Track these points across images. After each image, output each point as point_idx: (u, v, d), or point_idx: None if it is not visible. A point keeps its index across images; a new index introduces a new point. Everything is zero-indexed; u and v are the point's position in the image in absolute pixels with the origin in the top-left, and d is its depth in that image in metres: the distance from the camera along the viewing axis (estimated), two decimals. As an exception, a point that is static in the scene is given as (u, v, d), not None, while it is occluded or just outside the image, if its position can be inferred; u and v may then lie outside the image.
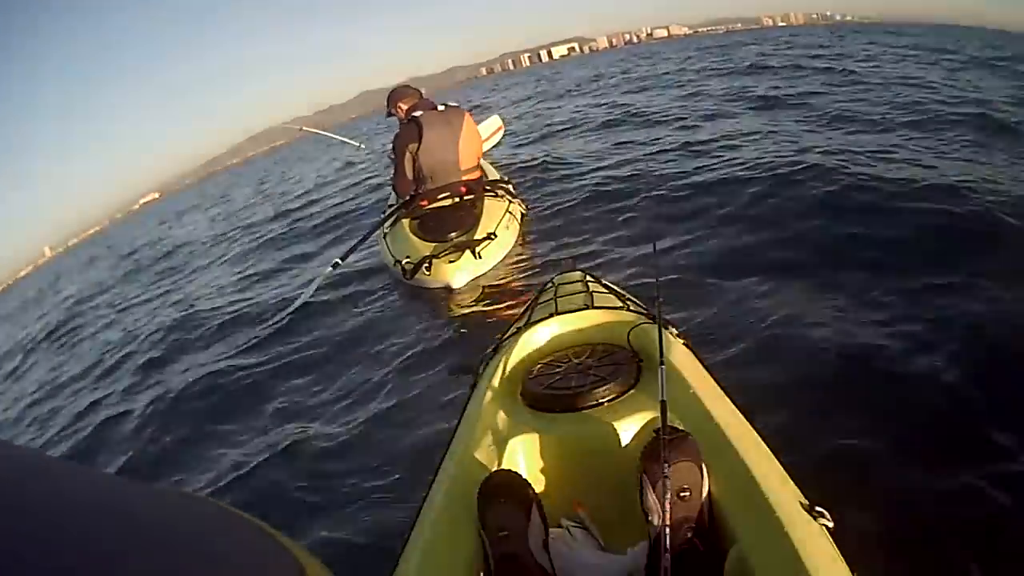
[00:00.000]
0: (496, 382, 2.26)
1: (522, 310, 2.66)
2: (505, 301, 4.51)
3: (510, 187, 5.95)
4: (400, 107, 5.84)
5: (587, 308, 2.46)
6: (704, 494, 1.55)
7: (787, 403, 2.61)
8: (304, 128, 9.54)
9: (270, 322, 5.53)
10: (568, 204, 6.54)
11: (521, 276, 4.91)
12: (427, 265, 4.89)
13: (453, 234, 5.14)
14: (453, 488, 1.77)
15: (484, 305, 4.55)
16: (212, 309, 6.94)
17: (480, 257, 4.89)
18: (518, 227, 5.52)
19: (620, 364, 2.16)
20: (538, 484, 1.92)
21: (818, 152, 6.41)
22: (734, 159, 6.83)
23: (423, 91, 6.09)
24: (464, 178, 5.64)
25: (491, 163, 6.85)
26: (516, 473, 1.72)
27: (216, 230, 15.08)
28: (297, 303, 5.48)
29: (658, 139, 8.86)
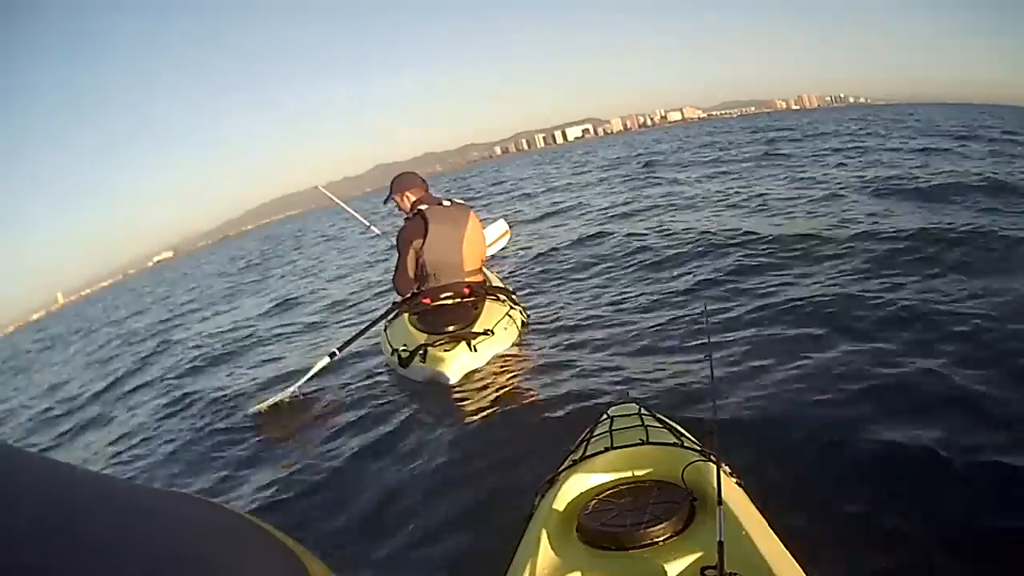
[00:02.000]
0: (553, 517, 2.25)
1: (577, 441, 2.65)
2: (501, 402, 4.40)
3: (513, 295, 5.92)
4: (407, 197, 5.83)
5: (642, 443, 2.44)
6: None
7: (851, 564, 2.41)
8: (320, 188, 9.22)
9: (256, 412, 5.32)
10: (574, 308, 6.49)
11: (516, 379, 4.81)
12: (422, 353, 4.91)
13: (451, 328, 5.14)
14: None
15: (482, 404, 4.45)
16: (189, 391, 6.99)
17: (475, 350, 4.90)
18: (517, 331, 5.48)
19: (675, 503, 2.13)
20: None
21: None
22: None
23: (428, 182, 6.06)
24: (467, 279, 5.63)
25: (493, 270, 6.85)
26: None
27: (212, 300, 15.75)
28: (288, 391, 5.34)
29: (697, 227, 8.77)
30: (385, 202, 6.02)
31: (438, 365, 4.83)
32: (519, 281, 7.97)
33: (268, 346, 8.33)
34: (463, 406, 4.49)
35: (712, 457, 2.24)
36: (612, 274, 7.67)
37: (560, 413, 3.98)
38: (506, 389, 4.63)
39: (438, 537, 3.15)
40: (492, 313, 5.35)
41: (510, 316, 5.44)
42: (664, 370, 4.49)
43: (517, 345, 5.38)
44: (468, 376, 4.86)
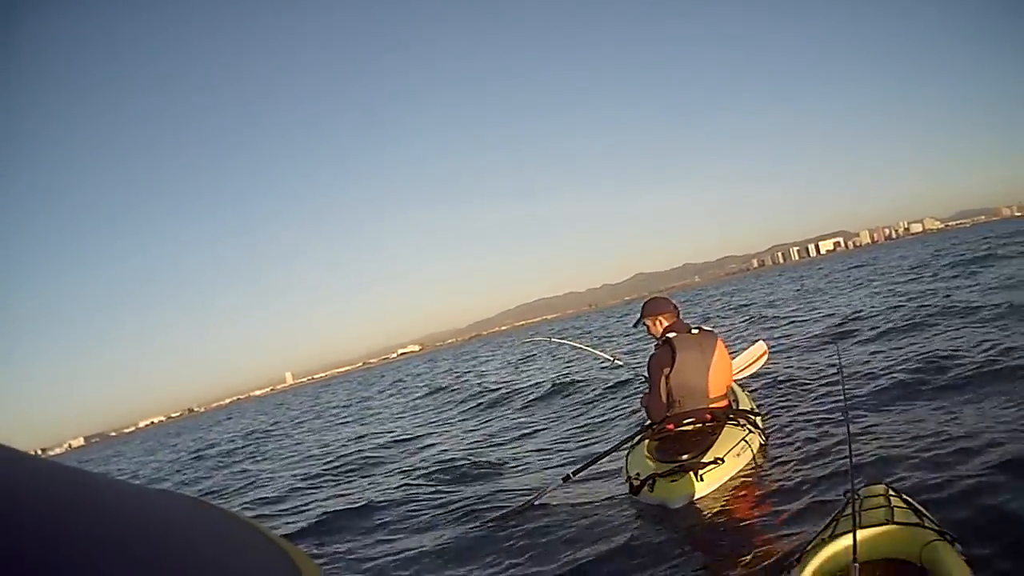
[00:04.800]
0: None
1: (829, 518, 2.87)
2: (725, 525, 4.63)
3: (757, 419, 5.99)
4: (660, 322, 6.00)
5: (887, 523, 2.57)
6: None
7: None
8: (553, 340, 10.72)
9: (490, 526, 5.59)
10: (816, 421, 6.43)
11: (744, 501, 4.94)
12: (651, 483, 5.13)
13: (684, 456, 5.29)
14: None
15: (713, 525, 4.67)
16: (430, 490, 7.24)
17: (702, 480, 5.04)
18: (751, 455, 5.50)
19: None
20: None
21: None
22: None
23: (679, 308, 6.19)
24: (711, 405, 5.75)
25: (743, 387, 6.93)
26: None
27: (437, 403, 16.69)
28: (518, 505, 5.70)
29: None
30: (635, 325, 6.28)
31: (665, 495, 5.06)
32: (766, 396, 7.94)
33: (503, 460, 8.42)
34: (694, 530, 4.68)
35: (947, 537, 2.43)
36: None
37: (785, 532, 4.17)
38: (734, 509, 4.83)
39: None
40: (727, 440, 5.42)
41: (746, 441, 5.50)
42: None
43: (751, 468, 5.41)
44: (697, 502, 4.99)
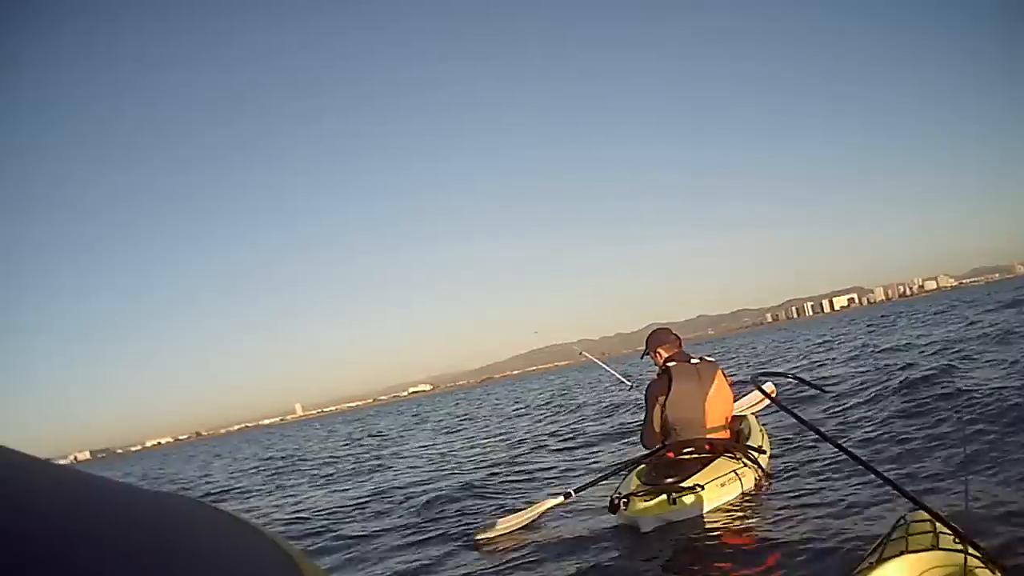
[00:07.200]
0: None
1: (874, 543, 2.85)
2: (700, 559, 4.54)
3: (762, 457, 5.91)
4: (660, 353, 6.07)
5: (933, 549, 2.56)
6: None
7: None
8: (584, 354, 10.60)
9: (484, 537, 5.68)
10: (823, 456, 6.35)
11: (725, 534, 4.83)
12: (627, 501, 5.12)
13: (668, 480, 5.30)
14: None
15: (680, 551, 4.66)
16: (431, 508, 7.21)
17: (674, 503, 5.03)
18: (739, 489, 5.46)
19: None
20: None
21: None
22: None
23: (681, 339, 6.28)
24: (710, 436, 5.75)
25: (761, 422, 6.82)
26: None
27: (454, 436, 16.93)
28: (517, 523, 5.72)
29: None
30: (642, 357, 6.37)
31: (636, 514, 5.06)
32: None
33: (509, 478, 8.64)
34: (666, 553, 4.67)
35: (989, 565, 2.43)
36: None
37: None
38: (715, 538, 4.75)
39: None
40: (716, 469, 5.41)
41: (736, 473, 5.48)
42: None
43: (740, 502, 5.37)
44: (673, 526, 5.00)
